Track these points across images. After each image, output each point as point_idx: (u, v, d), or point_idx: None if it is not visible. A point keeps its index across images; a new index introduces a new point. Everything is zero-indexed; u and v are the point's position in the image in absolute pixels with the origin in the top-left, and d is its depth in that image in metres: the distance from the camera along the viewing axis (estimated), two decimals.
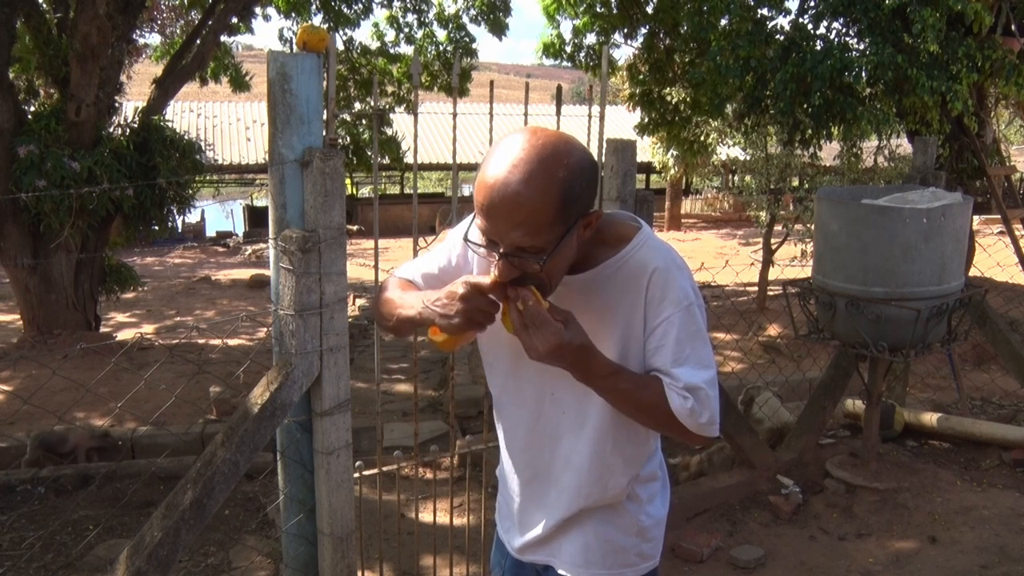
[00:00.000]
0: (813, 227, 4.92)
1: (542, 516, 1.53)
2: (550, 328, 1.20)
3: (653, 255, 1.34)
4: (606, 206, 2.87)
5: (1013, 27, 6.49)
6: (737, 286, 9.24)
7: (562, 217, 1.19)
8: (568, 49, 9.91)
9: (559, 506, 1.50)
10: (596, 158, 2.97)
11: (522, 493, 1.56)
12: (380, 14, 10.62)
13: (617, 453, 1.45)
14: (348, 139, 10.21)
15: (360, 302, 9.97)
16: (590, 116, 3.07)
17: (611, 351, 1.34)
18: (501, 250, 1.21)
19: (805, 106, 6.47)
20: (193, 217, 19.99)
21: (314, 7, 9.97)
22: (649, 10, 9.31)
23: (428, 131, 22.38)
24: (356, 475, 2.46)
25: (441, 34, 10.66)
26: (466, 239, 1.29)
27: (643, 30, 9.44)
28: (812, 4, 6.79)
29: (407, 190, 23.07)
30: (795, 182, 9.04)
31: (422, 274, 1.54)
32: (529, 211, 1.17)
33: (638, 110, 9.95)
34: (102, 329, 7.50)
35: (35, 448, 4.22)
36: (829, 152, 8.82)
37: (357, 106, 10.45)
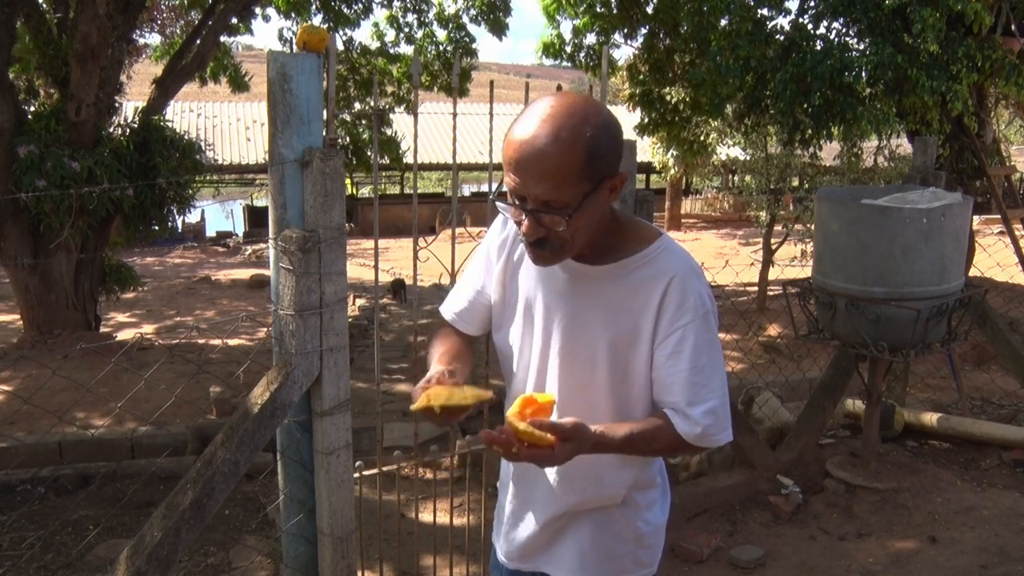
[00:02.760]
0: (813, 227, 4.92)
1: (533, 513, 1.53)
2: (545, 458, 1.23)
3: (674, 260, 1.36)
4: None
5: (1013, 27, 6.48)
6: (737, 286, 9.24)
7: (588, 173, 1.21)
8: (568, 49, 9.90)
9: (550, 502, 1.49)
10: None
11: (515, 489, 1.57)
12: (380, 14, 10.63)
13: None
14: (348, 139, 10.21)
15: (360, 302, 9.98)
16: None
17: (603, 344, 1.37)
18: (528, 207, 1.23)
19: (805, 106, 6.47)
20: (193, 217, 20.00)
21: (314, 7, 9.97)
22: (649, 10, 9.31)
23: (428, 131, 22.38)
24: (356, 475, 2.46)
25: (441, 34, 10.67)
26: (494, 200, 1.33)
27: (643, 30, 9.44)
28: (812, 4, 6.79)
29: (407, 190, 23.07)
30: (795, 182, 9.04)
31: (459, 312, 1.57)
32: (555, 164, 1.19)
33: (638, 110, 9.95)
34: (102, 329, 7.50)
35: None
36: (829, 152, 8.82)
37: (357, 106, 10.44)
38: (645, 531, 1.51)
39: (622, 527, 1.50)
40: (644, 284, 1.35)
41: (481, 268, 1.54)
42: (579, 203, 1.22)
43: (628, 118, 14.69)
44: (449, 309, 1.59)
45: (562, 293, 1.40)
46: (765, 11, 7.11)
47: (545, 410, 1.28)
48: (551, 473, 1.48)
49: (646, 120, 9.81)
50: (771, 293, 8.39)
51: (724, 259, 5.54)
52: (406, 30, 10.68)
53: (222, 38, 8.24)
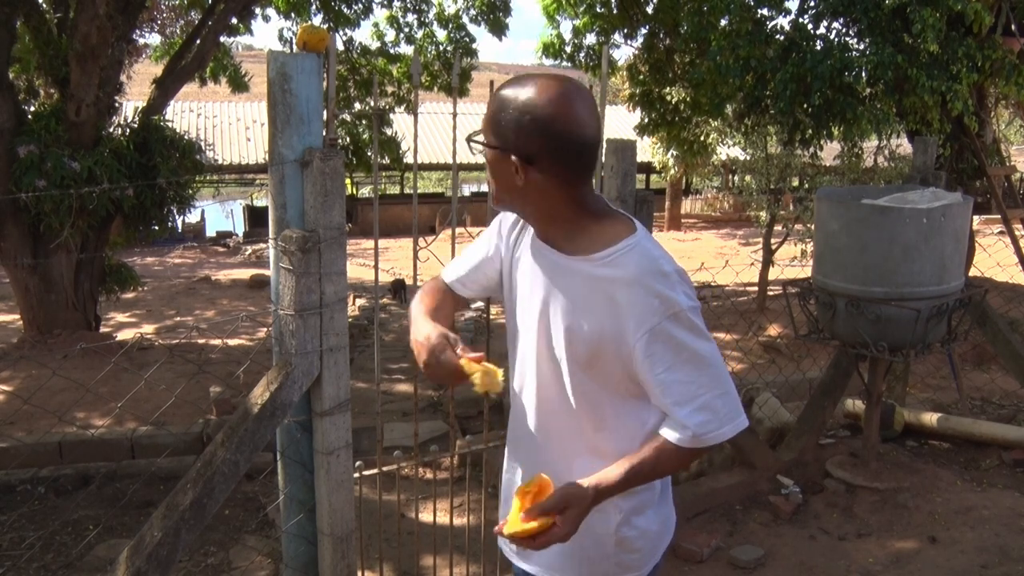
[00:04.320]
0: (813, 227, 4.92)
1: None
2: (557, 537, 1.29)
3: (638, 261, 1.34)
4: None
5: (1013, 27, 6.48)
6: (737, 286, 9.24)
7: (493, 124, 1.35)
8: (568, 49, 9.91)
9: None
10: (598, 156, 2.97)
11: (504, 490, 1.59)
12: (380, 14, 10.63)
13: (592, 451, 1.45)
14: (348, 139, 10.21)
15: (360, 302, 9.98)
16: None
17: (586, 338, 1.37)
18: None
19: (805, 106, 6.46)
20: (193, 217, 20.00)
21: (314, 7, 9.97)
22: (649, 10, 9.32)
23: (428, 131, 22.38)
24: (356, 475, 2.46)
25: (441, 34, 10.67)
26: (469, 140, 1.43)
27: (643, 30, 9.44)
28: (812, 4, 6.79)
29: (407, 190, 23.07)
30: (795, 182, 9.04)
31: (460, 276, 1.62)
32: (488, 106, 1.38)
33: (638, 110, 9.95)
34: (102, 329, 7.50)
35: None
36: (829, 152, 8.81)
37: (357, 106, 10.44)
38: (629, 535, 1.49)
39: (601, 531, 1.47)
40: (606, 283, 1.34)
41: (493, 235, 1.58)
42: (482, 144, 1.38)
43: (628, 118, 14.68)
44: (450, 274, 1.64)
45: (541, 283, 1.44)
46: (765, 11, 7.11)
47: (544, 490, 1.32)
48: (538, 462, 1.49)
49: (646, 120, 9.82)
50: (771, 293, 8.38)
51: (724, 259, 5.54)
52: (406, 30, 10.69)
53: (222, 38, 8.24)
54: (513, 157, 1.32)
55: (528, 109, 1.30)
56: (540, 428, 1.50)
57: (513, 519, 1.30)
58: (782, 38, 6.77)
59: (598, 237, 1.37)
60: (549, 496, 1.30)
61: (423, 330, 1.44)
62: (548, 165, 1.32)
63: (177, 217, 7.17)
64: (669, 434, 1.36)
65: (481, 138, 1.39)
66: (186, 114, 20.03)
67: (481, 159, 1.42)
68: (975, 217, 7.21)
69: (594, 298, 1.35)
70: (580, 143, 1.31)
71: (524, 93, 1.31)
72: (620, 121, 19.35)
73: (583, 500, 1.30)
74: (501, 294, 1.60)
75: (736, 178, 16.48)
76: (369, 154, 10.27)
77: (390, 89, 10.79)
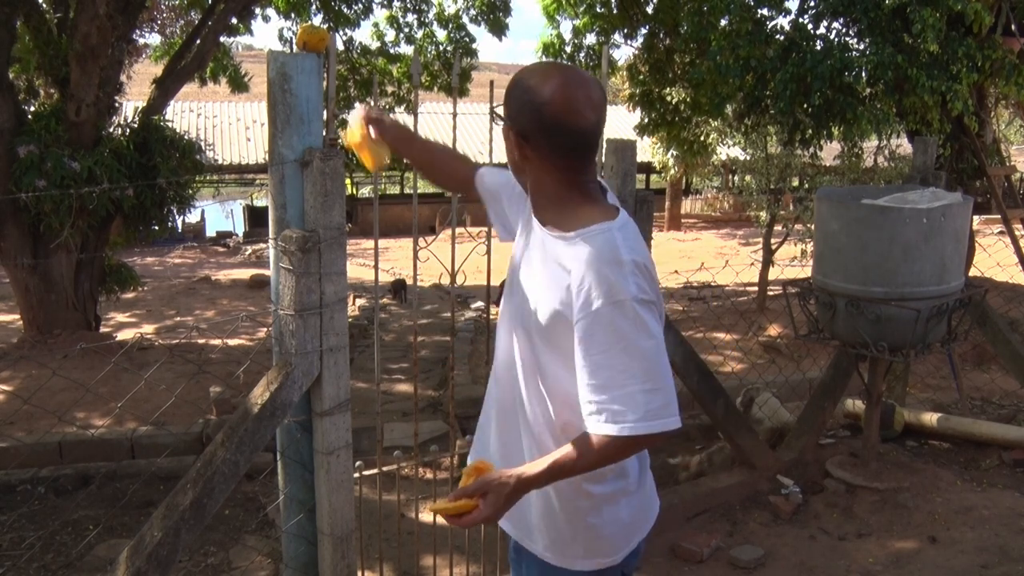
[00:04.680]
0: (813, 227, 4.92)
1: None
2: (480, 519, 1.37)
3: (597, 245, 1.36)
4: None
5: (1013, 27, 6.48)
6: (737, 286, 9.24)
7: (506, 102, 1.45)
8: (568, 49, 9.90)
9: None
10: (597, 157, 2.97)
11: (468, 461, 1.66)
12: (380, 14, 10.63)
13: (546, 428, 1.49)
14: None
15: (360, 302, 9.97)
16: None
17: (544, 312, 1.42)
18: None
19: (805, 106, 6.46)
20: (193, 217, 20.00)
21: (314, 7, 9.97)
22: (649, 10, 9.31)
23: (428, 131, 22.36)
24: (356, 475, 2.46)
25: (441, 34, 10.67)
26: (492, 112, 1.59)
27: (643, 30, 9.44)
28: (812, 4, 6.78)
29: (407, 190, 23.07)
30: (795, 182, 9.03)
31: (492, 170, 1.79)
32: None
33: (638, 110, 9.94)
34: (102, 329, 7.50)
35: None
36: (829, 152, 8.81)
37: (357, 106, 10.44)
38: (597, 523, 1.50)
39: (570, 514, 1.50)
40: (567, 260, 1.39)
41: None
42: (499, 118, 1.48)
43: (628, 118, 14.68)
44: (487, 168, 1.81)
45: (526, 253, 1.53)
46: (765, 11, 7.11)
47: (482, 472, 1.41)
48: (496, 456, 1.57)
49: (646, 120, 9.81)
50: (771, 293, 8.38)
51: (724, 259, 5.54)
52: (406, 30, 10.69)
53: (222, 38, 8.23)
54: (512, 132, 1.43)
55: (529, 91, 1.40)
56: (499, 400, 1.58)
57: (442, 500, 1.41)
58: (782, 38, 6.77)
59: (579, 218, 1.42)
60: (467, 485, 1.39)
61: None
62: (541, 146, 1.41)
63: (177, 217, 7.16)
64: (590, 425, 1.35)
65: (500, 111, 1.49)
66: (186, 114, 20.03)
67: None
68: (975, 217, 7.20)
69: (557, 274, 1.40)
70: (572, 131, 1.38)
71: (533, 78, 1.41)
72: (620, 121, 19.34)
73: (502, 488, 1.36)
74: (497, 221, 1.75)
75: (736, 178, 16.49)
76: None
77: (390, 89, 10.79)
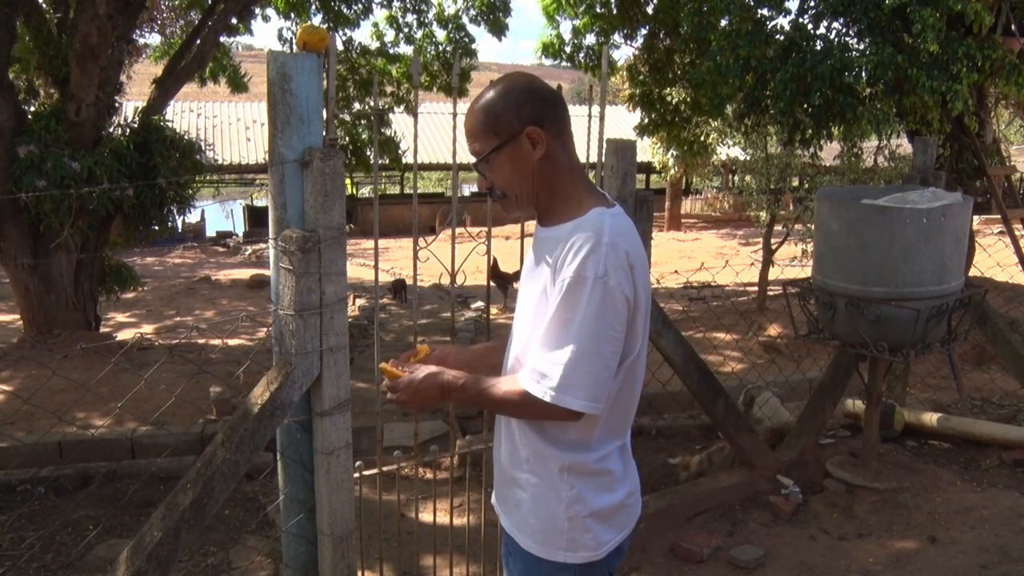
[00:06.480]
0: (813, 227, 4.92)
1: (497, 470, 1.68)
2: (394, 384, 1.60)
3: (588, 226, 1.43)
4: None
5: (1013, 27, 6.48)
6: (737, 286, 9.24)
7: (490, 127, 1.47)
8: (568, 49, 9.90)
9: (496, 466, 1.66)
10: (596, 157, 2.97)
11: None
12: (380, 14, 10.63)
13: (526, 426, 1.54)
14: (348, 139, 10.21)
15: (360, 302, 9.97)
16: (590, 116, 3.06)
17: (531, 304, 1.48)
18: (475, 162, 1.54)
19: (805, 106, 6.46)
20: (193, 217, 20.01)
21: (314, 7, 9.97)
22: (649, 10, 9.31)
23: (428, 131, 22.38)
24: (356, 475, 2.46)
25: (441, 34, 10.67)
26: (475, 166, 1.55)
27: (643, 30, 9.43)
28: (812, 4, 6.78)
29: (407, 190, 23.07)
30: (795, 182, 9.03)
31: None
32: (469, 123, 1.51)
33: (638, 110, 9.94)
34: (102, 329, 7.50)
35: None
36: (829, 152, 8.81)
37: (357, 106, 10.44)
38: (581, 513, 1.52)
39: (553, 503, 1.53)
40: (560, 245, 1.43)
41: None
42: (489, 153, 1.48)
43: (628, 118, 14.69)
44: None
45: (529, 258, 1.58)
46: (765, 11, 7.10)
47: (420, 354, 1.69)
48: (497, 443, 1.65)
49: (646, 120, 9.80)
50: (771, 293, 8.38)
51: (724, 259, 5.54)
52: (406, 30, 10.69)
53: (222, 38, 8.23)
54: (526, 132, 1.46)
55: (509, 91, 1.48)
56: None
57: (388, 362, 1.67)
58: (782, 38, 6.77)
59: (569, 209, 1.49)
60: (412, 364, 1.64)
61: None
62: (551, 122, 1.48)
63: (177, 217, 7.15)
64: (521, 375, 1.46)
65: (486, 152, 1.50)
66: (186, 114, 20.05)
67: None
68: (975, 217, 7.21)
69: (548, 259, 1.46)
70: (552, 96, 1.50)
71: (490, 91, 1.49)
72: (620, 121, 19.35)
73: (428, 376, 1.55)
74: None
75: (736, 178, 16.48)
76: (369, 154, 10.27)
77: (389, 89, 10.79)
